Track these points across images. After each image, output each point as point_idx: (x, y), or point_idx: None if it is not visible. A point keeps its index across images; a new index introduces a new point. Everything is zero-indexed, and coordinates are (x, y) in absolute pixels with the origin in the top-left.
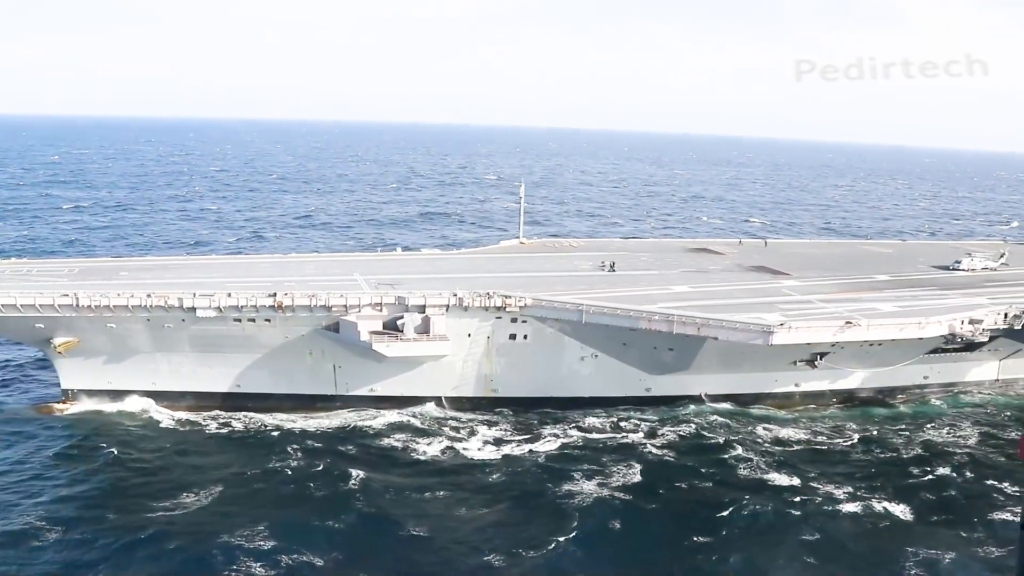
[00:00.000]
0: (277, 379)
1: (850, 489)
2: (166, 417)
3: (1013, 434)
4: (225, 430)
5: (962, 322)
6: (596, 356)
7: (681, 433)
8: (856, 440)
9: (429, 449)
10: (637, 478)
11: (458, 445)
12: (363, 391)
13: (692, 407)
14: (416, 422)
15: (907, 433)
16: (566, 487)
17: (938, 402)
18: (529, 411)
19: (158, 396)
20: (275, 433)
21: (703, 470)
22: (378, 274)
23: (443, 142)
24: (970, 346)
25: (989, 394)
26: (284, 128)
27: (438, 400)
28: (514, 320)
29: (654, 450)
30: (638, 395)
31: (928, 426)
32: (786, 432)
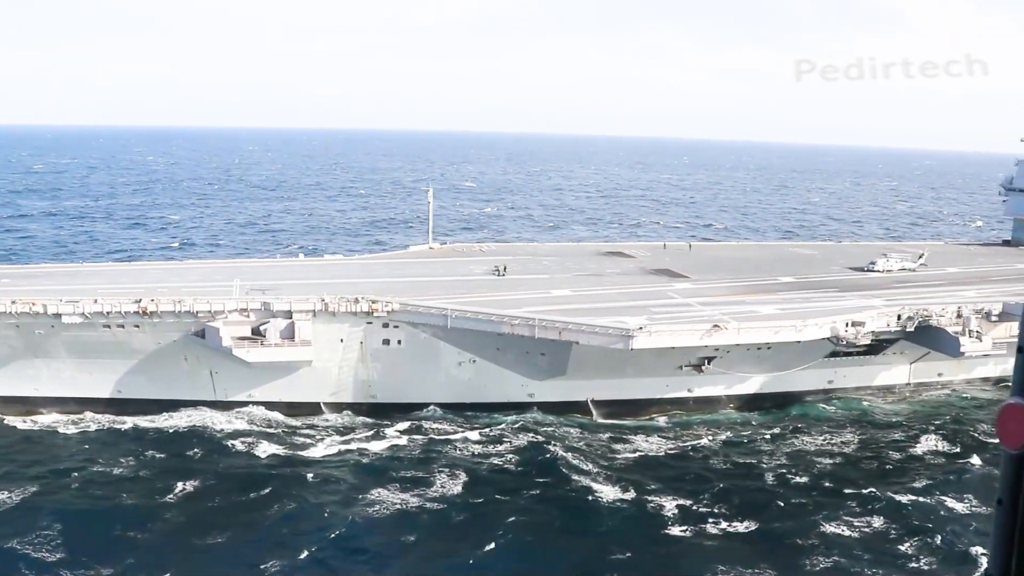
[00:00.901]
0: (156, 385)
1: (681, 502)
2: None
3: (896, 435)
4: (73, 429)
5: (846, 325)
6: (475, 361)
7: (521, 443)
8: (717, 447)
9: (269, 449)
10: (456, 489)
11: (302, 452)
12: (242, 396)
13: (548, 416)
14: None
15: (776, 441)
16: (382, 492)
17: (832, 407)
18: (407, 417)
19: (40, 402)
20: (127, 432)
21: (529, 481)
22: (266, 279)
23: (438, 149)
24: (873, 349)
25: (895, 398)
26: (289, 137)
27: (316, 406)
28: (386, 325)
29: (486, 459)
30: (521, 401)
31: (808, 432)
32: (643, 441)
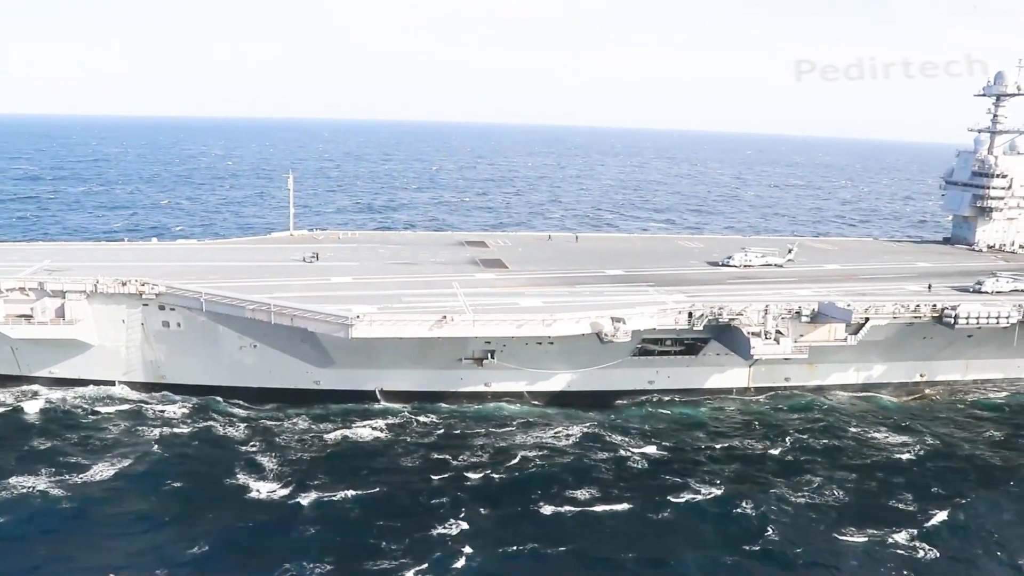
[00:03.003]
0: None
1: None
2: None
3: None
4: None
5: (612, 320)
6: (256, 346)
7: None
8: (431, 442)
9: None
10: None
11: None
12: (44, 372)
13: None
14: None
15: (511, 438)
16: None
17: (647, 410)
18: (195, 398)
19: None
20: None
21: (205, 469)
22: (81, 261)
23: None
24: (691, 349)
25: (733, 404)
26: (368, 128)
27: (112, 384)
28: (162, 308)
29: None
30: (307, 388)
31: (607, 435)
32: (368, 432)
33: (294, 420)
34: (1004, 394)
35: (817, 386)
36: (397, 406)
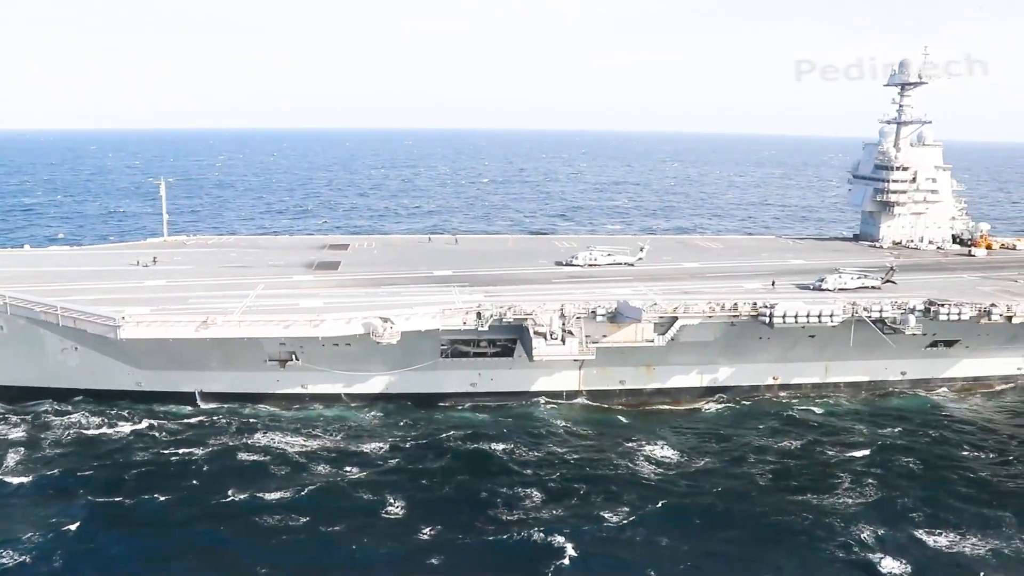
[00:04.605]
0: None
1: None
2: None
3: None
4: None
5: (382, 321)
6: (77, 349)
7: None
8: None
9: None
10: None
11: None
12: None
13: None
14: None
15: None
16: None
17: (473, 415)
18: (19, 402)
19: None
20: None
21: None
22: None
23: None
24: (507, 351)
25: (567, 407)
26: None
27: None
28: None
29: None
30: (131, 389)
31: (417, 436)
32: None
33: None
34: (826, 399)
35: (656, 389)
36: (214, 406)
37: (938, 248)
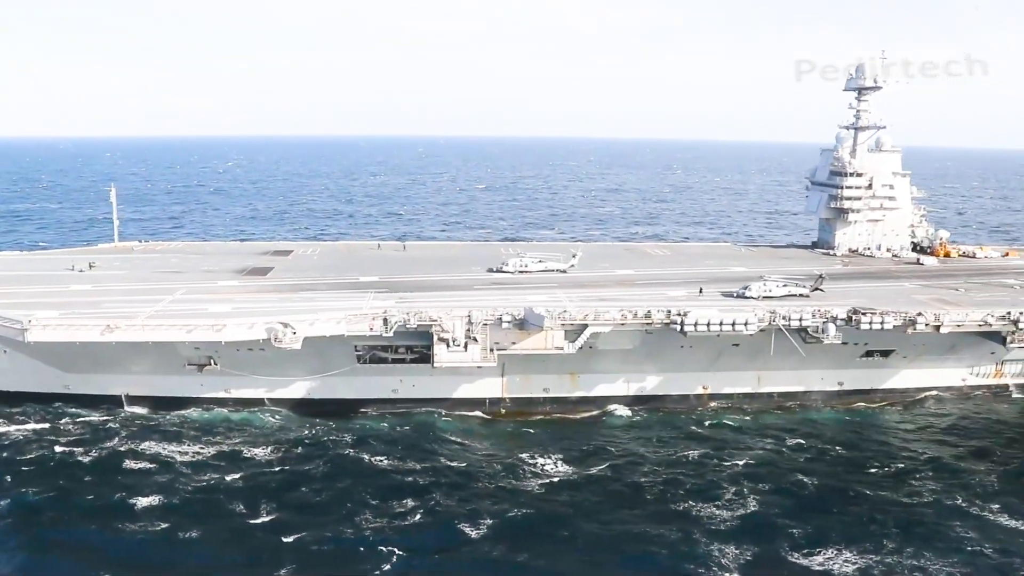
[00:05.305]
0: None
1: None
2: None
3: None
4: None
5: (283, 326)
6: (6, 352)
7: None
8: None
9: None
10: None
11: None
12: None
13: None
14: None
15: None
16: None
17: (386, 423)
18: None
19: None
20: None
21: None
22: None
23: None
24: (424, 357)
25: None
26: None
27: None
28: None
29: None
30: (58, 392)
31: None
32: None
33: None
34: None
35: (581, 397)
36: (140, 410)
37: (894, 256)
